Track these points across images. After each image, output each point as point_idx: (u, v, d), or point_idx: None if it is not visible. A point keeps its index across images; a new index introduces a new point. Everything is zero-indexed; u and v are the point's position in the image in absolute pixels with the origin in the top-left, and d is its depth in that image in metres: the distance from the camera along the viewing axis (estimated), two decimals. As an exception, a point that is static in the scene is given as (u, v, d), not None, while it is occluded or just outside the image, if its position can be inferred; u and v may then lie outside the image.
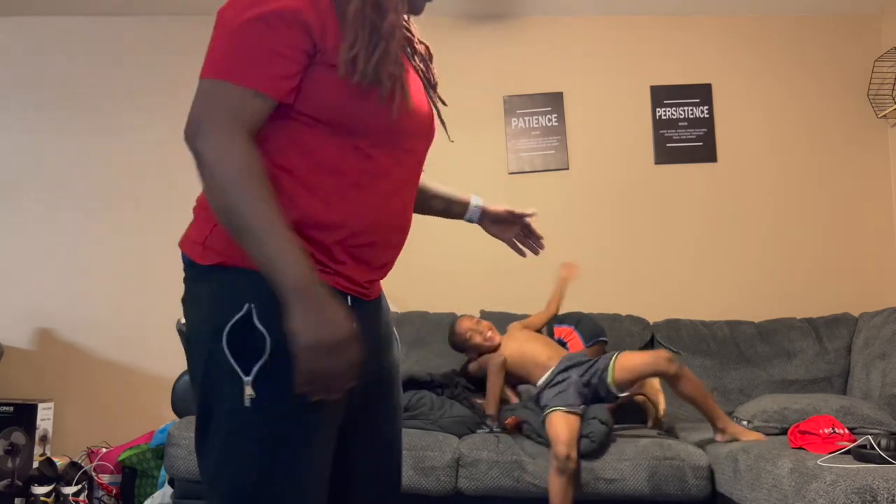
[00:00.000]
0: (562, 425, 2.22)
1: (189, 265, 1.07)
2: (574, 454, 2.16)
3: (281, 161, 1.04)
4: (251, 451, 1.01)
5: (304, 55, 1.01)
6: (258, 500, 1.01)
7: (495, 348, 2.68)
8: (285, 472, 1.01)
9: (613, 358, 2.40)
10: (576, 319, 2.90)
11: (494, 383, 2.56)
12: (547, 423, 2.27)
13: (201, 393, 1.04)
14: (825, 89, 3.56)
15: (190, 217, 1.14)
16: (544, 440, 2.29)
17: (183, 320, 1.07)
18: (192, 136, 1.00)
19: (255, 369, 0.98)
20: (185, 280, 1.08)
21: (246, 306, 1.00)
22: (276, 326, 0.97)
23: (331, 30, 1.02)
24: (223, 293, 1.02)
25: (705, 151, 3.54)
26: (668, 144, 3.55)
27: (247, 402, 0.98)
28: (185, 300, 1.07)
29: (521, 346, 2.64)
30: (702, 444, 2.38)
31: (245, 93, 1.01)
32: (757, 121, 3.56)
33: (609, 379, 2.36)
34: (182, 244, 1.08)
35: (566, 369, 2.45)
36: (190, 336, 1.06)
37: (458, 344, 2.81)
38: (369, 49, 1.02)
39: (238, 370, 0.98)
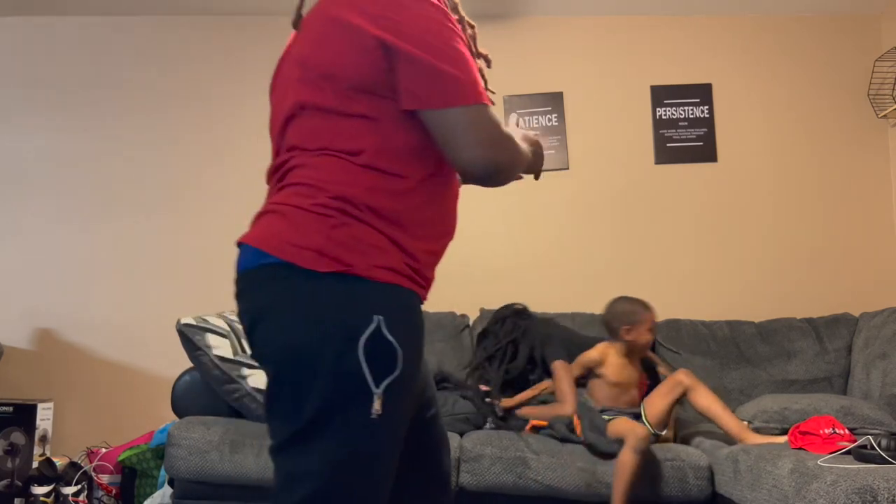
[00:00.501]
0: (630, 421, 2.30)
1: (285, 266, 1.03)
2: (646, 442, 2.20)
3: (399, 167, 1.10)
4: (367, 460, 1.03)
5: None
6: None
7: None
8: (385, 480, 1.06)
9: (643, 412, 2.42)
10: None
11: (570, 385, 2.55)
12: (611, 426, 2.31)
13: (320, 396, 1.01)
14: (825, 89, 3.56)
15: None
16: (576, 439, 2.35)
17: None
18: (492, 160, 1.07)
19: (386, 383, 1.01)
20: (275, 281, 1.04)
21: (376, 318, 1.01)
22: (403, 340, 1.03)
23: None
24: (350, 302, 1.02)
25: (705, 151, 3.54)
26: (668, 144, 3.54)
27: (373, 415, 1.00)
28: (278, 302, 1.04)
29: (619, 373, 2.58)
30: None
31: (484, 108, 1.08)
32: (757, 121, 3.56)
33: (650, 427, 2.40)
34: (270, 246, 1.05)
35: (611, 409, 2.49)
36: (296, 340, 1.02)
37: (619, 324, 2.55)
38: None
39: (370, 382, 1.00)
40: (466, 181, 1.15)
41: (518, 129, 1.33)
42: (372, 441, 1.02)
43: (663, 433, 2.44)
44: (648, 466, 2.22)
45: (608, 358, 2.53)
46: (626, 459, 2.16)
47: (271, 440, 1.07)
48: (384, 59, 1.05)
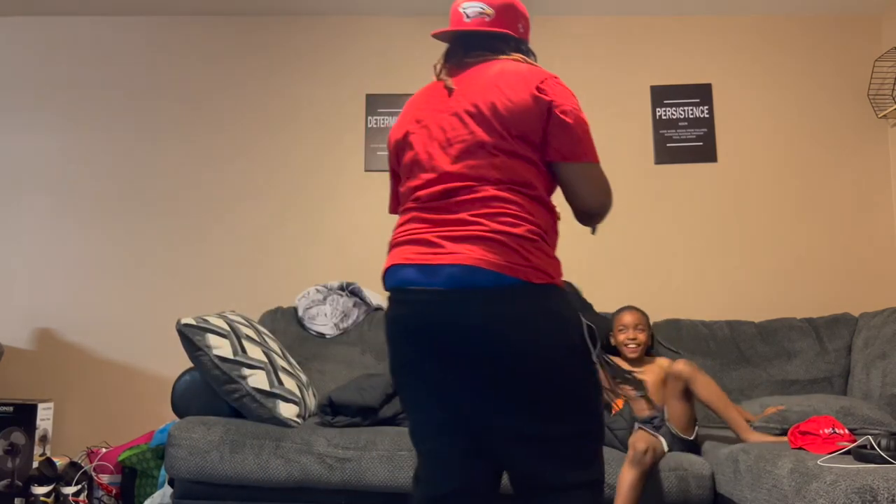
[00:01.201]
0: (645, 436, 2.27)
1: (536, 287, 1.36)
2: (650, 456, 2.18)
3: (549, 201, 1.50)
4: (601, 419, 1.46)
5: None
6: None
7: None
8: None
9: (667, 422, 2.40)
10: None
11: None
12: (632, 436, 2.30)
13: (583, 380, 1.39)
14: (825, 89, 3.56)
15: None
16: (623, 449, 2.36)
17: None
18: (605, 204, 1.53)
19: (596, 351, 1.42)
20: (536, 297, 1.36)
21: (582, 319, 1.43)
22: (591, 324, 1.43)
23: None
24: (568, 302, 1.41)
25: (705, 151, 3.54)
26: (668, 144, 3.55)
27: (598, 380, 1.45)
28: (543, 315, 1.36)
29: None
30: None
31: (600, 166, 1.52)
32: (757, 121, 3.56)
33: (678, 433, 2.39)
34: (502, 268, 1.35)
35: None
36: (567, 343, 1.37)
37: (610, 333, 2.63)
38: None
39: (597, 366, 1.42)
40: (581, 219, 1.56)
41: None
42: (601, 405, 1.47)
43: (692, 437, 2.40)
44: (651, 479, 2.21)
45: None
46: (625, 474, 2.15)
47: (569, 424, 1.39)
48: (547, 123, 1.44)
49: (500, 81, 1.46)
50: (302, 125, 3.62)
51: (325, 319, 3.16)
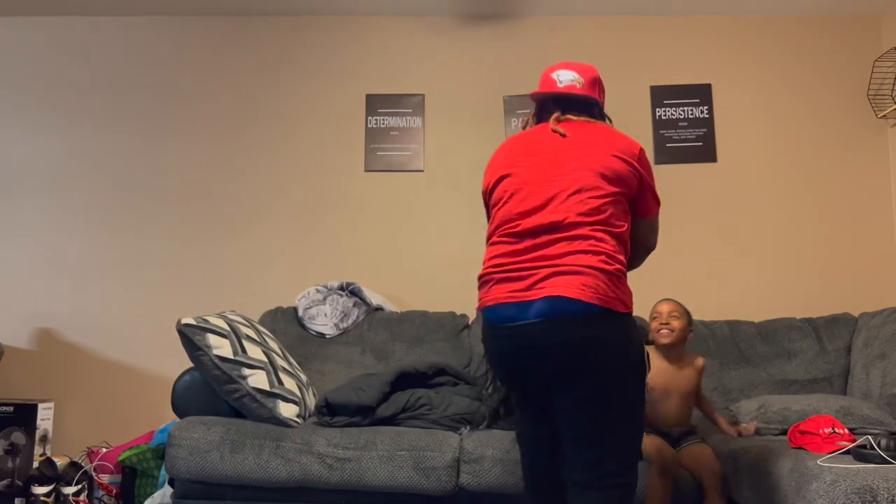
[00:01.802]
0: (656, 440, 2.24)
1: (617, 315, 1.63)
2: (676, 463, 2.18)
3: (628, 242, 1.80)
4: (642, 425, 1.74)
5: None
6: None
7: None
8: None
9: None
10: None
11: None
12: (650, 444, 2.26)
13: (634, 397, 1.68)
14: (825, 89, 3.56)
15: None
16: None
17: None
18: (655, 243, 1.91)
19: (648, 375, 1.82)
20: (616, 323, 1.63)
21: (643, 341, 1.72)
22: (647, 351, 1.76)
23: None
24: (637, 328, 1.69)
25: (705, 152, 3.54)
26: (668, 144, 3.55)
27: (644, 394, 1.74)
28: (620, 339, 1.63)
29: None
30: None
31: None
32: (756, 121, 3.56)
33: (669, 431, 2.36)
34: (598, 299, 1.60)
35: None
36: (633, 363, 1.66)
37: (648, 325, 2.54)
38: None
39: (646, 378, 1.73)
40: (635, 258, 1.89)
41: None
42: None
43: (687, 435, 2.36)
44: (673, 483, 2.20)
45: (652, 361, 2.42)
46: (654, 484, 2.12)
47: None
48: (638, 187, 1.77)
49: (605, 141, 1.76)
50: (302, 125, 3.62)
51: (325, 319, 3.16)
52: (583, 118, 1.84)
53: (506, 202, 1.75)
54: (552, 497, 1.80)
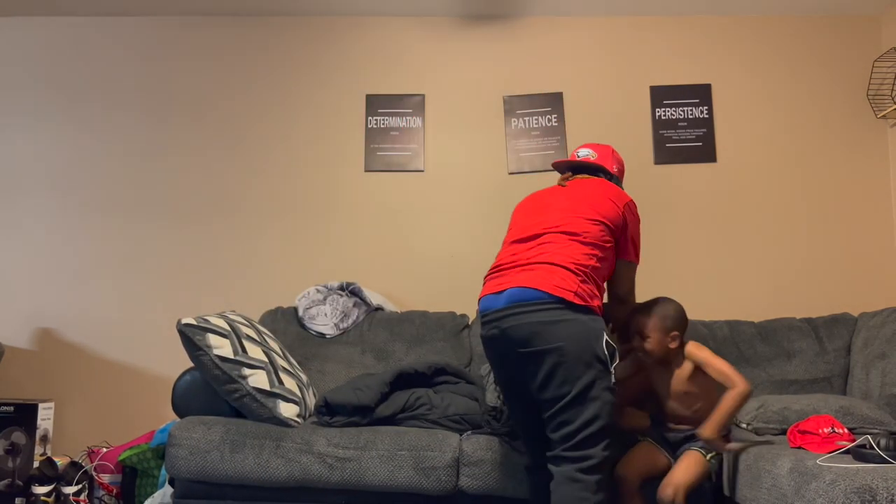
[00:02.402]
0: (640, 458, 2.25)
1: (567, 304, 1.92)
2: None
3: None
4: (612, 408, 1.94)
5: None
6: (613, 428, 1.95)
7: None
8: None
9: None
10: None
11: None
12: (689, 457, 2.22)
13: (593, 378, 1.90)
14: (824, 89, 3.57)
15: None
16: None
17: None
18: (629, 296, 2.27)
19: (613, 366, 1.94)
20: (562, 311, 1.91)
21: (604, 331, 1.94)
22: (613, 344, 1.95)
23: None
24: (599, 323, 1.95)
25: (705, 151, 3.54)
26: (667, 144, 3.55)
27: (612, 384, 1.95)
28: (567, 325, 1.90)
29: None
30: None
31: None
32: (756, 121, 3.56)
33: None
34: (554, 290, 1.92)
35: None
36: (582, 347, 1.90)
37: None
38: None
39: (611, 368, 1.94)
40: (612, 303, 2.25)
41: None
42: (612, 396, 1.95)
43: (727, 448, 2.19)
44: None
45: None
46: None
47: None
48: (622, 232, 2.14)
49: (599, 189, 2.16)
50: (302, 125, 3.62)
51: (325, 319, 3.17)
52: (590, 177, 2.27)
53: (513, 229, 2.23)
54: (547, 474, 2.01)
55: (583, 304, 1.91)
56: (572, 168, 2.38)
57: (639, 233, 2.20)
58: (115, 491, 2.89)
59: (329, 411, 2.49)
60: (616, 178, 2.37)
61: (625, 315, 2.25)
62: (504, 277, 2.01)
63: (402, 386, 2.63)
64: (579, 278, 1.94)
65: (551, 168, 3.55)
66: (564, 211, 2.11)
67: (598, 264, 2.03)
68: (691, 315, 3.27)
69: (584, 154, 2.38)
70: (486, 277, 2.12)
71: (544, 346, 1.87)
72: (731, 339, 3.03)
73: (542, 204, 2.21)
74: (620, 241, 2.14)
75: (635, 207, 2.19)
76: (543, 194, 2.27)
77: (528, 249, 2.05)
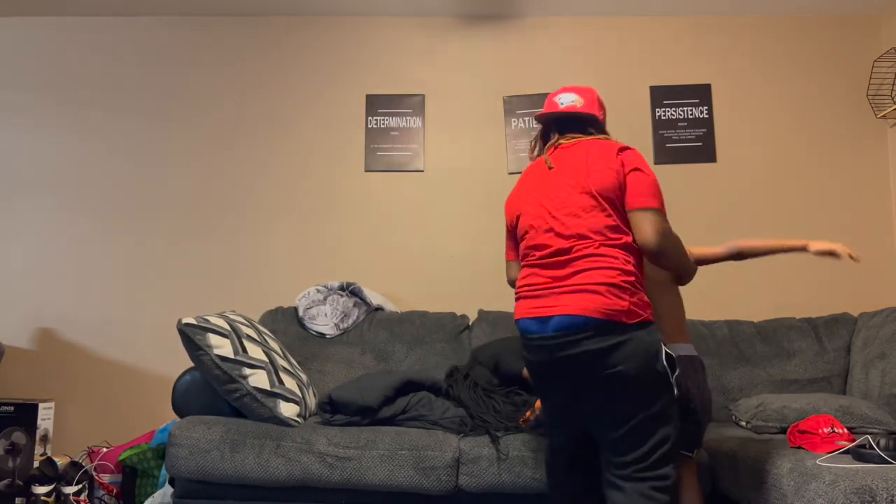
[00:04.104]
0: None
1: (624, 326, 1.76)
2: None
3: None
4: (678, 423, 1.86)
5: None
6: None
7: None
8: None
9: None
10: None
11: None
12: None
13: (657, 397, 1.79)
14: (825, 89, 3.57)
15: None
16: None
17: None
18: (664, 241, 1.84)
19: (674, 377, 1.81)
20: (615, 334, 1.76)
21: (661, 343, 1.80)
22: (672, 354, 1.81)
23: None
24: (654, 335, 1.80)
25: (704, 152, 3.54)
26: (667, 144, 3.55)
27: (675, 396, 1.83)
28: (623, 347, 1.75)
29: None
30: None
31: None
32: (756, 121, 3.56)
33: None
34: (605, 315, 1.75)
35: None
36: (641, 367, 1.75)
37: None
38: None
39: (671, 380, 1.82)
40: (651, 260, 1.88)
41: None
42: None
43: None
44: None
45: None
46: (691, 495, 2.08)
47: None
48: (624, 178, 1.88)
49: (588, 157, 1.91)
50: (302, 125, 3.62)
51: (325, 319, 3.17)
52: (576, 139, 2.01)
53: (523, 237, 1.99)
54: (570, 497, 1.99)
55: (636, 321, 1.76)
56: (558, 123, 2.05)
57: (646, 178, 1.87)
58: (115, 491, 2.89)
59: (333, 409, 2.50)
60: (603, 125, 2.08)
61: (675, 264, 1.93)
62: (546, 300, 1.83)
63: (407, 393, 2.63)
64: (627, 292, 1.78)
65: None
66: (570, 205, 1.87)
67: (636, 258, 1.85)
68: (691, 315, 3.29)
69: (569, 101, 2.04)
70: (518, 292, 1.94)
71: (602, 372, 1.75)
72: (730, 338, 3.03)
73: (540, 203, 1.95)
74: (627, 187, 1.88)
75: (633, 155, 1.90)
76: (536, 186, 1.99)
77: (563, 268, 1.84)
